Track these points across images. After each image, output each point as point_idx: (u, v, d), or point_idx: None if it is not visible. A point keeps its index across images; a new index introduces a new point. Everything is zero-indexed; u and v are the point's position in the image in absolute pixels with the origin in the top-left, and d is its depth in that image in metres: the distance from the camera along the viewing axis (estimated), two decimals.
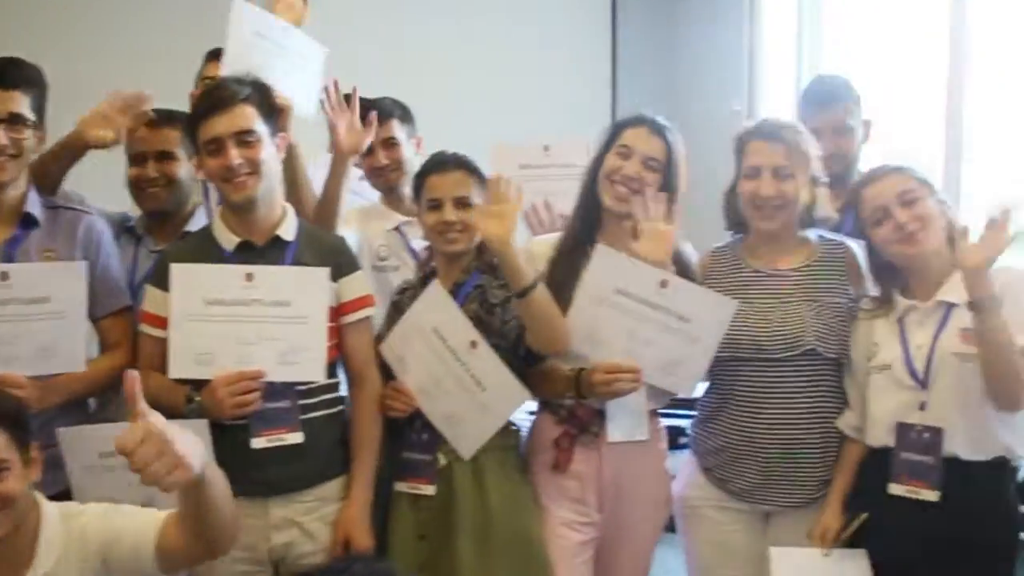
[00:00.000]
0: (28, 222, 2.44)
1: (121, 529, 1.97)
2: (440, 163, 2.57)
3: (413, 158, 2.94)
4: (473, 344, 2.40)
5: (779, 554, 2.46)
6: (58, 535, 1.98)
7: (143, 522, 1.97)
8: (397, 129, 2.96)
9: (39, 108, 2.42)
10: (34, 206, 2.45)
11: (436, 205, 2.52)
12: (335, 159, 2.70)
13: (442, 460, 2.48)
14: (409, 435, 2.51)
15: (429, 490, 2.47)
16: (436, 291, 2.43)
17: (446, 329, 2.41)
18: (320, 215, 2.67)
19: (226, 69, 2.57)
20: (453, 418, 2.44)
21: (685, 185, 2.50)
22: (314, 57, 2.76)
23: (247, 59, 2.57)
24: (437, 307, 2.43)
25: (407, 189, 2.79)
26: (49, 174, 2.60)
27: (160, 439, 1.68)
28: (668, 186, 2.47)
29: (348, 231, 2.72)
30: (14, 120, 2.36)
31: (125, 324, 2.50)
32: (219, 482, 1.86)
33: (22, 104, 2.37)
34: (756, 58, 4.87)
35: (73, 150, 2.59)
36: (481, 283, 2.51)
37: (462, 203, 2.50)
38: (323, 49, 2.79)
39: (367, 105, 2.78)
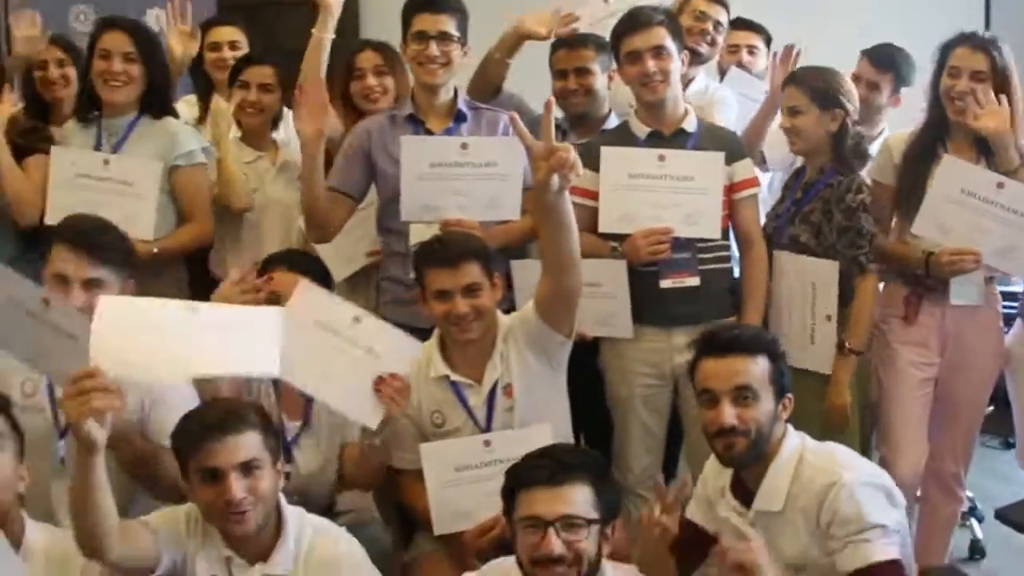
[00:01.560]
0: (459, 118, 3.37)
1: None
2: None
3: None
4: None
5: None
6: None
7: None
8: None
9: (463, 29, 3.30)
10: (463, 105, 3.38)
11: None
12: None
13: None
14: None
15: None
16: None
17: None
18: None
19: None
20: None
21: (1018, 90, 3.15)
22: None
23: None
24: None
25: None
26: (489, 76, 3.61)
27: None
28: (1002, 90, 3.13)
29: None
30: (443, 37, 3.25)
31: None
32: None
33: (449, 24, 3.22)
34: None
35: (510, 43, 3.56)
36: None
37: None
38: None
39: None
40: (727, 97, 3.92)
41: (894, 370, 3.33)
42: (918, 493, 3.46)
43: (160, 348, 2.29)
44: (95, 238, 2.69)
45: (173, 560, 2.41)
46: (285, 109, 3.76)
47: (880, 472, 2.50)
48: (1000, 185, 3.09)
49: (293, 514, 2.47)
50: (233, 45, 3.96)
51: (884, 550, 2.30)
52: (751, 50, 4.20)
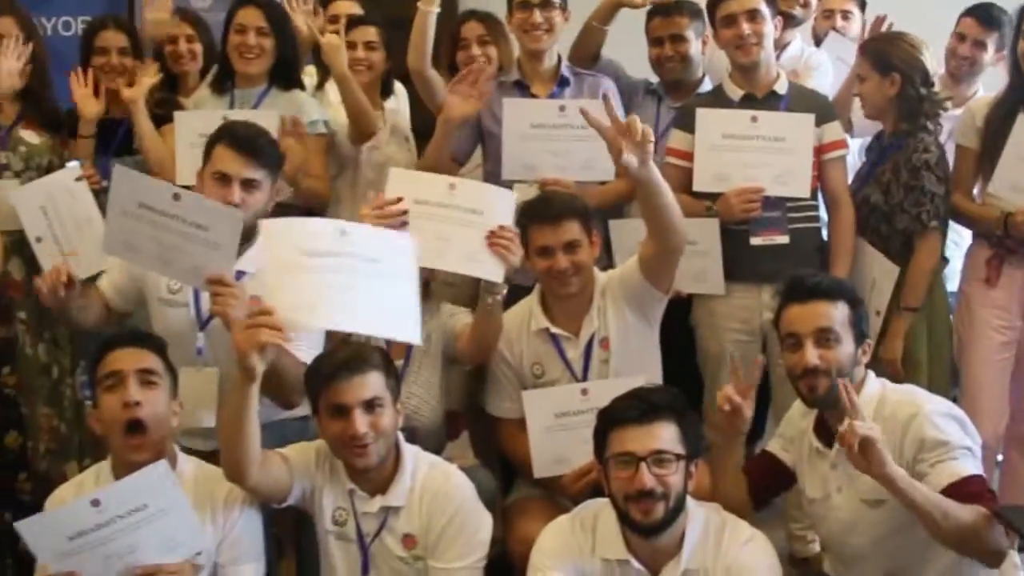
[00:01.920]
0: (562, 82, 3.59)
1: None
2: None
3: None
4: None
5: None
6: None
7: None
8: None
9: None
10: (566, 71, 3.60)
11: None
12: None
13: None
14: None
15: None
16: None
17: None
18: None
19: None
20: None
21: None
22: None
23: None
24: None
25: None
26: (588, 44, 3.79)
27: None
28: None
29: None
30: (545, 5, 3.47)
31: None
32: None
33: None
34: None
35: (607, 11, 3.74)
36: None
37: None
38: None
39: None
40: (823, 62, 4.05)
41: (975, 333, 3.44)
42: (999, 458, 3.57)
43: (318, 295, 2.48)
44: (255, 141, 2.89)
45: (303, 490, 2.66)
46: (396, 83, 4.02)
47: (956, 408, 2.62)
48: None
49: (410, 451, 2.68)
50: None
51: (969, 466, 2.43)
52: (845, 15, 4.30)
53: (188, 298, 2.92)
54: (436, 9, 3.49)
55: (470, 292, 3.48)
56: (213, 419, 2.81)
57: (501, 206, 2.91)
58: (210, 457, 2.72)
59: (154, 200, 2.67)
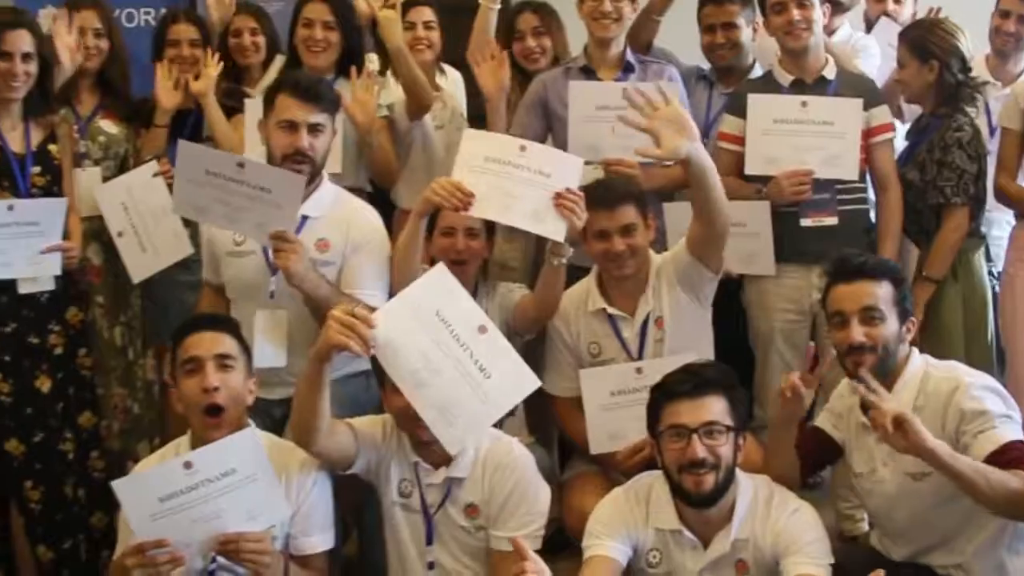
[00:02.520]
0: (628, 68, 3.70)
1: None
2: None
3: None
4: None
5: None
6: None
7: None
8: None
9: None
10: (631, 58, 3.71)
11: None
12: None
13: None
14: None
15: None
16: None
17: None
18: None
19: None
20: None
21: None
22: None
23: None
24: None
25: None
26: (642, 33, 3.92)
27: None
28: None
29: None
30: None
31: None
32: None
33: None
34: None
35: (662, 1, 3.88)
36: None
37: None
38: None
39: None
40: (870, 46, 4.14)
41: (1019, 314, 3.53)
42: None
43: (410, 357, 2.56)
44: (316, 87, 3.08)
45: (368, 461, 2.81)
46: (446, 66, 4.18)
47: (996, 382, 2.71)
48: None
49: None
50: None
51: (1009, 433, 2.52)
52: None
53: (256, 246, 3.10)
54: (498, 6, 3.63)
55: (525, 275, 3.63)
56: (284, 359, 3.05)
57: (568, 171, 3.00)
58: (279, 405, 2.98)
59: (220, 167, 2.90)
